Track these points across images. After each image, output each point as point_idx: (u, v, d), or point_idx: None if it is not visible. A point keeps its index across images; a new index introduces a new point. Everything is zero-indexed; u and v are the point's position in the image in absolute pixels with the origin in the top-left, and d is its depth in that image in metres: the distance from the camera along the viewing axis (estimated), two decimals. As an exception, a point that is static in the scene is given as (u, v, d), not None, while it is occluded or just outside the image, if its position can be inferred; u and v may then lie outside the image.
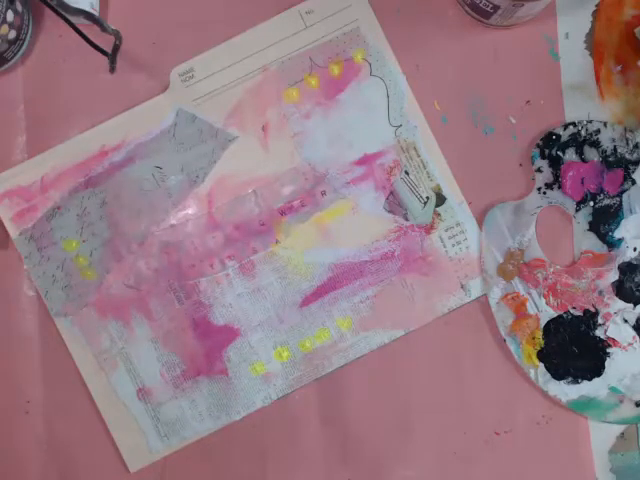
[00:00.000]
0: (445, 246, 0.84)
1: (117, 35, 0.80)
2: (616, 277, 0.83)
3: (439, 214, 0.84)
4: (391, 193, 0.84)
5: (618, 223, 0.83)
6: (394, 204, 0.84)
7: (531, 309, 0.84)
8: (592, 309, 0.83)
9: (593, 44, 0.84)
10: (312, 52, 0.84)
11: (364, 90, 0.84)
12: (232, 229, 0.84)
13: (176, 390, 0.85)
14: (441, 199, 0.84)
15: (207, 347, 0.85)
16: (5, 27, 0.79)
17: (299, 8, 0.84)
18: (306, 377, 0.85)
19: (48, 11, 0.80)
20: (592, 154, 0.83)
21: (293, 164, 0.84)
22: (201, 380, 0.85)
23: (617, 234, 0.83)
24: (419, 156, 0.84)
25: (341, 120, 0.84)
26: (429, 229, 0.84)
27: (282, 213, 0.84)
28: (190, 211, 0.85)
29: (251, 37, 0.84)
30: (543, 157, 0.83)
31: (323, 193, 0.84)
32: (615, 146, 0.83)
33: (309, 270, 0.85)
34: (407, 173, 0.84)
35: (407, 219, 0.84)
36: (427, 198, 0.84)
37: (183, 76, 0.84)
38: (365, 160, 0.84)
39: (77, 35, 0.79)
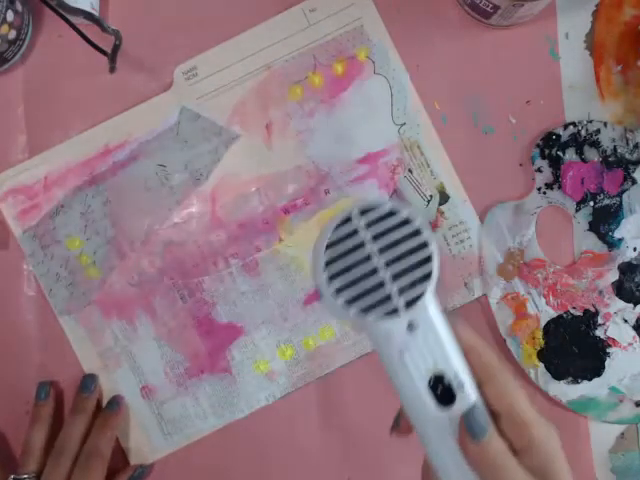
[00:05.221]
0: (449, 244, 0.85)
1: (117, 35, 0.80)
2: (616, 277, 0.84)
3: (442, 212, 0.84)
4: (395, 191, 0.84)
5: (618, 223, 0.83)
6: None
7: (531, 309, 0.84)
8: (592, 309, 0.83)
9: (593, 44, 0.84)
10: (316, 50, 0.84)
11: (368, 88, 0.84)
12: (236, 227, 0.84)
13: (179, 388, 0.85)
14: (444, 197, 0.84)
15: (211, 345, 0.85)
16: (5, 27, 0.79)
17: (303, 6, 0.84)
18: (309, 375, 0.85)
19: (48, 11, 0.79)
20: (592, 154, 0.83)
21: (297, 162, 0.85)
22: (205, 378, 0.85)
23: (617, 234, 0.83)
24: (422, 154, 0.84)
25: (345, 118, 0.84)
26: (433, 227, 0.84)
27: (286, 211, 0.84)
28: (194, 209, 0.85)
29: (255, 35, 0.84)
30: (543, 157, 0.84)
31: (327, 191, 0.84)
32: (615, 146, 0.83)
33: (313, 268, 0.84)
34: (410, 171, 0.84)
35: (410, 217, 0.84)
36: (430, 196, 0.84)
37: (187, 74, 0.84)
38: (369, 158, 0.84)
39: (77, 35, 0.79)
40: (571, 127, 0.83)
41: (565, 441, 0.85)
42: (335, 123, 0.84)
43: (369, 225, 0.59)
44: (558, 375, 0.84)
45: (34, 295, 0.86)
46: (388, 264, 0.59)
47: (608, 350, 0.84)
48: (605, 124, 0.83)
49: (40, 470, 0.81)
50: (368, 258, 0.59)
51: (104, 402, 0.86)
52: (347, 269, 0.59)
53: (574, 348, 0.84)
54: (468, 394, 0.60)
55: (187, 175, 0.84)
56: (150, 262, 0.84)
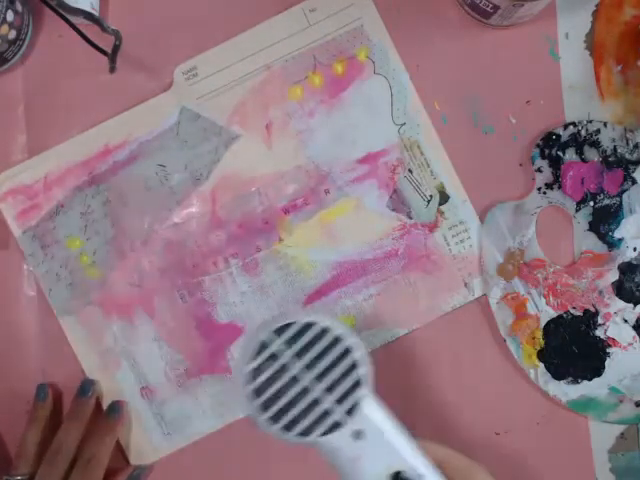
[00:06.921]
0: (449, 244, 0.84)
1: (117, 35, 0.80)
2: (616, 277, 0.84)
3: (442, 212, 0.84)
4: (394, 191, 0.84)
5: (618, 223, 0.83)
6: (398, 202, 0.84)
7: (531, 309, 0.84)
8: (592, 309, 0.83)
9: (593, 44, 0.84)
10: (316, 50, 0.84)
11: (368, 88, 0.84)
12: (235, 227, 0.84)
13: (179, 388, 0.85)
14: (444, 197, 0.84)
15: (211, 345, 0.85)
16: (5, 27, 0.79)
17: (303, 6, 0.84)
18: (309, 375, 0.85)
19: (48, 11, 0.79)
20: (592, 154, 0.83)
21: (297, 162, 0.84)
22: (205, 378, 0.85)
23: (617, 234, 0.83)
24: (422, 154, 0.84)
25: (345, 118, 0.84)
26: (433, 227, 0.84)
27: (285, 211, 0.84)
28: (194, 209, 0.84)
29: (254, 35, 0.84)
30: (543, 157, 0.84)
31: (327, 191, 0.84)
32: (615, 146, 0.83)
33: (312, 268, 0.85)
34: (410, 171, 0.84)
35: (411, 217, 0.84)
36: (430, 196, 0.84)
37: (187, 74, 0.84)
38: (369, 158, 0.84)
39: (77, 35, 0.79)
40: (571, 127, 0.83)
41: (565, 441, 0.85)
42: (335, 123, 0.84)
43: (288, 344, 0.57)
44: (558, 375, 0.84)
45: (34, 295, 0.86)
46: (317, 379, 0.57)
47: (608, 350, 0.83)
48: (605, 124, 0.83)
49: (33, 472, 0.80)
50: (295, 379, 0.57)
51: (104, 403, 0.85)
52: (277, 396, 0.57)
53: (574, 348, 0.84)
54: None
55: (187, 175, 0.84)
56: (150, 262, 0.84)
